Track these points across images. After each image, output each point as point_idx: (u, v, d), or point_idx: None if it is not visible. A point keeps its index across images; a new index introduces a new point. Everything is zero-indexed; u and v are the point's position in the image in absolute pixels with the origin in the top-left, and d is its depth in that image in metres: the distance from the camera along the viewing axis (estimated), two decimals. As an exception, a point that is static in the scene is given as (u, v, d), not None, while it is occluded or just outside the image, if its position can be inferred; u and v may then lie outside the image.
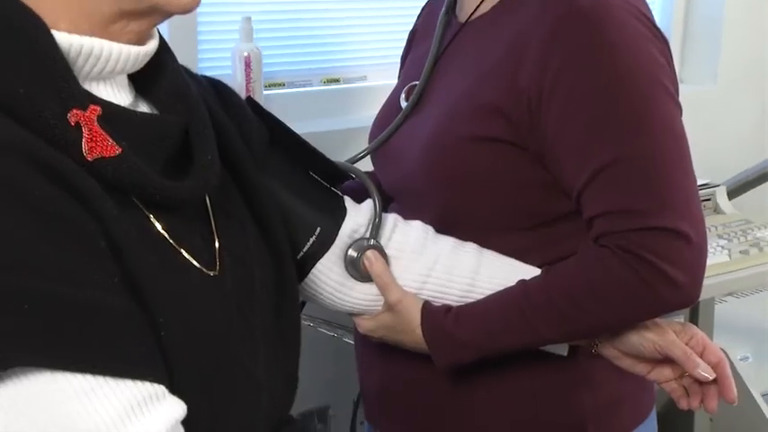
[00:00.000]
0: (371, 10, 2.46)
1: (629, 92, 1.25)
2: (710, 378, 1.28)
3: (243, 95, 2.11)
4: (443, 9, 1.46)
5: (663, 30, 1.36)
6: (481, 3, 1.41)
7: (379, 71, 2.46)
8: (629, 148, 1.25)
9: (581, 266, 1.29)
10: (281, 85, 2.37)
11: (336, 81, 2.46)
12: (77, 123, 0.95)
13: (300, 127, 1.70)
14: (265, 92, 2.25)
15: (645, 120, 1.25)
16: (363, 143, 1.54)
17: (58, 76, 0.96)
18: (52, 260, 0.89)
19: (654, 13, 1.36)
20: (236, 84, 2.17)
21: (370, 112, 1.65)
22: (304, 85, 2.42)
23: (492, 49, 1.35)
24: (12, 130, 0.91)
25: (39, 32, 0.96)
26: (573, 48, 1.26)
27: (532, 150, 1.31)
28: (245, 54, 2.17)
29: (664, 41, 1.33)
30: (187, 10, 1.04)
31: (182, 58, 1.49)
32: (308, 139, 1.37)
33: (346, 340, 1.60)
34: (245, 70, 2.17)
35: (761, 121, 3.18)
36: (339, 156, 1.49)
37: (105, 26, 1.01)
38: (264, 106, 2.14)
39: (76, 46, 0.98)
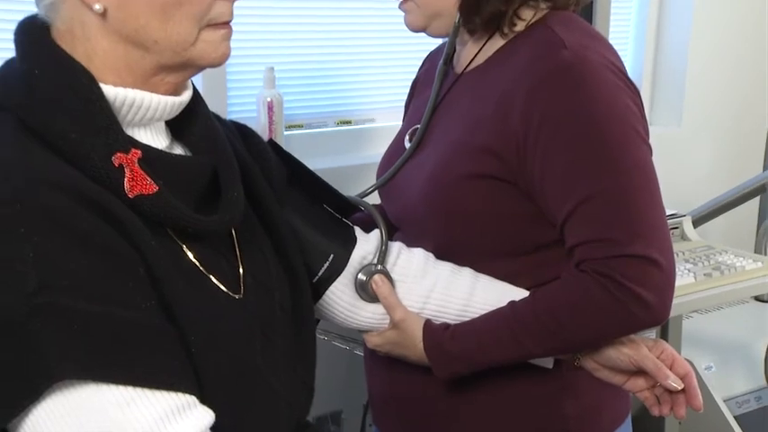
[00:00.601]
0: (379, 60, 2.46)
1: (606, 136, 1.25)
2: (679, 388, 1.28)
3: (266, 136, 2.14)
4: (441, 61, 1.46)
5: (634, 79, 1.36)
6: (475, 56, 1.41)
7: (386, 114, 2.47)
8: (605, 185, 1.25)
9: (564, 289, 1.29)
10: (300, 126, 2.37)
11: (348, 123, 2.46)
12: (120, 165, 0.96)
13: (316, 163, 1.71)
14: (286, 132, 2.25)
15: (619, 160, 1.25)
16: (372, 178, 1.54)
17: (105, 123, 0.97)
18: (98, 285, 0.89)
19: (626, 64, 1.36)
20: (260, 125, 2.17)
21: (377, 151, 1.65)
22: (320, 127, 2.42)
23: (485, 98, 1.35)
24: (63, 169, 0.93)
25: (90, 86, 0.97)
26: (557, 97, 1.26)
27: (521, 186, 1.31)
28: (269, 99, 2.17)
29: (635, 91, 1.33)
30: (218, 64, 1.05)
31: (213, 103, 1.49)
32: (322, 174, 1.38)
33: (357, 352, 1.60)
34: (269, 113, 2.17)
35: (721, 158, 3.19)
36: (350, 189, 1.49)
37: (146, 79, 1.02)
38: (285, 145, 2.16)
39: (121, 97, 1.00)
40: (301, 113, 2.38)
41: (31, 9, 1.03)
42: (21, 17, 1.04)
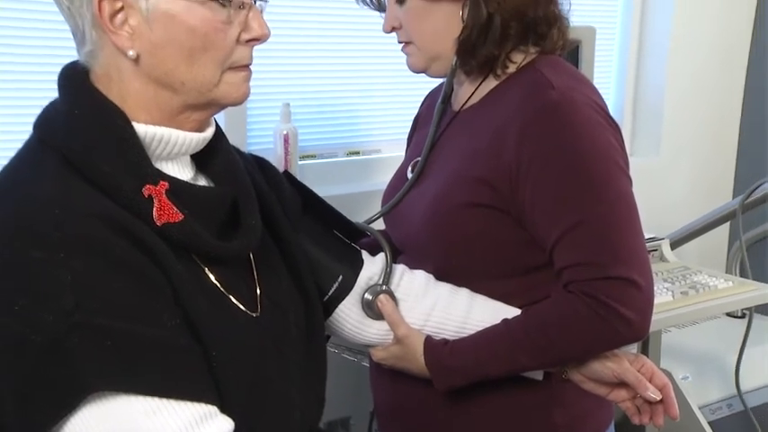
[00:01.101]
0: (385, 97, 2.46)
1: (590, 170, 1.26)
2: (658, 399, 1.28)
3: (282, 166, 2.15)
4: (440, 99, 1.46)
5: (616, 115, 1.37)
6: (471, 95, 1.41)
7: (391, 145, 2.46)
8: (589, 214, 1.25)
9: (553, 308, 1.29)
10: (313, 156, 2.37)
11: (357, 153, 2.46)
12: (150, 196, 0.96)
13: (328, 190, 1.71)
14: (300, 162, 2.25)
15: (602, 192, 1.26)
16: (378, 204, 1.54)
17: (136, 159, 0.98)
18: (129, 305, 0.90)
19: (609, 101, 1.37)
20: (277, 156, 2.17)
21: (383, 179, 1.64)
22: (331, 157, 2.42)
23: (480, 133, 1.35)
24: (99, 200, 0.94)
25: (123, 125, 0.98)
26: (545, 134, 1.27)
27: (513, 214, 1.31)
28: (285, 132, 2.17)
29: (616, 128, 1.34)
30: (239, 103, 1.06)
31: (234, 136, 1.48)
32: (333, 201, 1.37)
33: (364, 364, 1.60)
34: (285, 145, 2.17)
35: (695, 186, 3.18)
36: (358, 215, 1.49)
37: (174, 117, 1.02)
38: (299, 174, 2.19)
39: (151, 133, 1.00)
40: (314, 145, 2.38)
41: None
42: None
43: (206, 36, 0.98)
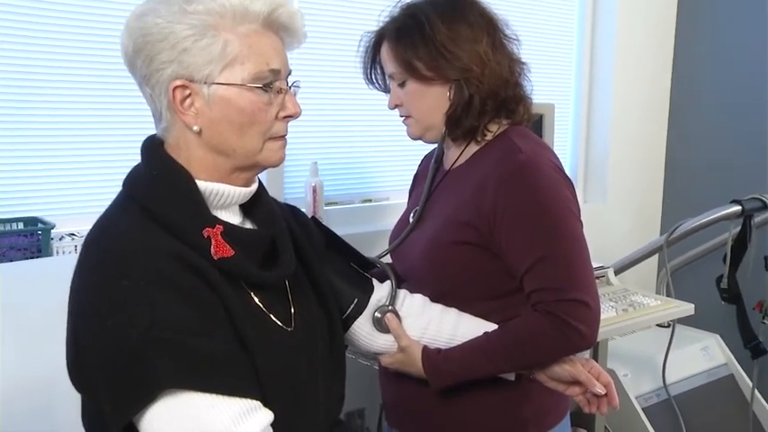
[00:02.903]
0: (391, 156, 2.47)
1: (550, 217, 1.25)
2: (603, 393, 1.27)
3: (311, 211, 2.15)
4: (433, 160, 1.45)
5: (572, 171, 1.37)
6: (458, 158, 1.41)
7: (396, 194, 2.46)
8: (551, 250, 1.25)
9: (523, 324, 1.28)
10: (335, 203, 2.37)
11: (370, 201, 2.46)
12: (208, 236, 0.96)
13: (346, 230, 1.71)
14: (325, 208, 2.25)
15: (560, 233, 1.25)
16: (386, 242, 1.53)
17: (198, 208, 0.98)
18: (193, 323, 0.90)
19: (566, 159, 1.38)
20: (307, 203, 2.17)
21: (391, 221, 1.64)
22: (349, 203, 2.42)
23: (466, 187, 1.34)
24: (170, 241, 0.94)
25: (189, 183, 0.99)
26: (516, 188, 1.27)
27: (492, 250, 1.30)
28: (313, 184, 2.18)
29: (570, 183, 1.33)
30: (276, 165, 1.07)
31: (274, 187, 1.47)
32: (350, 238, 1.36)
33: (375, 367, 1.58)
34: (313, 195, 2.18)
35: (633, 226, 3.18)
36: (370, 250, 1.48)
37: (227, 175, 1.03)
38: (325, 217, 2.19)
39: (209, 189, 1.01)
40: (336, 194, 2.38)
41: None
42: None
43: (252, 114, 0.99)
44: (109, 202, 1.03)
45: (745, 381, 2.58)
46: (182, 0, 0.96)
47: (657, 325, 2.60)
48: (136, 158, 1.03)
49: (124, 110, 1.86)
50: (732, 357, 2.63)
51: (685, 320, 2.30)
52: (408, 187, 1.65)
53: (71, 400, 1.00)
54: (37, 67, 1.77)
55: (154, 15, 0.95)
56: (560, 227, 1.25)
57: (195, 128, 0.98)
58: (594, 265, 1.32)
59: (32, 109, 1.77)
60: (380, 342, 1.33)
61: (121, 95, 1.84)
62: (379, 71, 1.42)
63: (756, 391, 2.52)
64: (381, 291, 1.35)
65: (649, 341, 2.57)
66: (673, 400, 2.37)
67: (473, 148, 1.39)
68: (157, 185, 0.98)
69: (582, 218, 1.32)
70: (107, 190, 1.83)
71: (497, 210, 1.27)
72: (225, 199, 1.03)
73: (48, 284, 1.30)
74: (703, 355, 2.60)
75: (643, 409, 2.33)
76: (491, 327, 1.32)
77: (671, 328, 2.32)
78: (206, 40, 0.95)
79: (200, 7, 0.95)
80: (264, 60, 0.98)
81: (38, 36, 1.76)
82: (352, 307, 1.30)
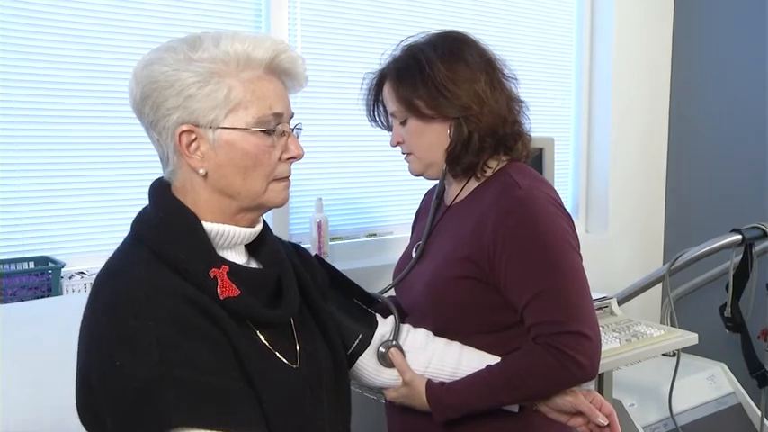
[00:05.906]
0: (395, 193, 2.48)
1: (549, 250, 1.26)
2: (605, 423, 1.26)
3: (316, 247, 2.15)
4: (435, 196, 1.47)
5: (573, 204, 1.37)
6: (459, 193, 1.42)
7: (400, 229, 2.47)
8: (550, 283, 1.25)
9: (525, 356, 1.28)
10: (340, 238, 2.37)
11: (374, 235, 2.47)
12: (215, 276, 0.97)
13: (351, 264, 1.71)
14: (330, 243, 2.25)
15: (559, 266, 1.26)
16: (390, 275, 1.53)
17: (204, 249, 0.99)
18: (200, 361, 0.91)
19: (567, 191, 1.38)
20: (313, 239, 2.17)
21: (394, 255, 1.64)
22: (354, 238, 2.42)
23: (466, 223, 1.35)
24: (178, 281, 0.95)
25: (195, 224, 1.00)
26: (514, 223, 1.28)
27: (492, 284, 1.31)
28: (318, 220, 2.18)
29: (568, 216, 1.34)
30: (281, 206, 1.08)
31: (280, 224, 1.46)
32: (354, 273, 1.37)
33: (381, 401, 1.58)
34: (318, 230, 2.18)
35: (635, 256, 3.17)
36: (375, 283, 1.49)
37: (232, 216, 1.04)
38: (330, 252, 2.18)
39: (215, 230, 1.02)
40: (341, 229, 2.39)
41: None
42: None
43: (256, 157, 1.01)
44: (118, 241, 1.05)
45: (754, 409, 2.55)
46: (187, 48, 0.98)
47: (662, 354, 2.59)
48: (144, 199, 1.05)
49: (133, 152, 1.90)
50: (739, 386, 2.61)
51: (691, 349, 2.28)
52: (411, 221, 1.65)
53: (80, 439, 1.01)
54: (48, 110, 1.80)
55: (160, 64, 0.98)
56: (559, 260, 1.26)
57: (201, 171, 1.00)
58: (597, 295, 1.32)
59: (42, 150, 1.80)
60: (385, 377, 1.33)
61: (130, 139, 1.88)
62: (381, 110, 1.45)
63: (765, 420, 2.49)
64: (385, 326, 1.35)
65: (655, 370, 2.55)
66: (680, 430, 2.34)
67: (473, 184, 1.41)
68: (165, 227, 1.00)
69: (584, 248, 1.33)
70: (116, 228, 1.86)
71: (497, 244, 1.28)
72: (230, 239, 1.04)
73: (58, 323, 1.32)
74: (710, 384, 2.58)
75: (651, 441, 2.31)
76: (494, 359, 1.32)
77: (676, 357, 2.30)
78: (210, 87, 0.97)
79: (205, 55, 0.98)
80: (267, 105, 1.00)
81: (48, 77, 1.79)
82: (356, 343, 1.30)
